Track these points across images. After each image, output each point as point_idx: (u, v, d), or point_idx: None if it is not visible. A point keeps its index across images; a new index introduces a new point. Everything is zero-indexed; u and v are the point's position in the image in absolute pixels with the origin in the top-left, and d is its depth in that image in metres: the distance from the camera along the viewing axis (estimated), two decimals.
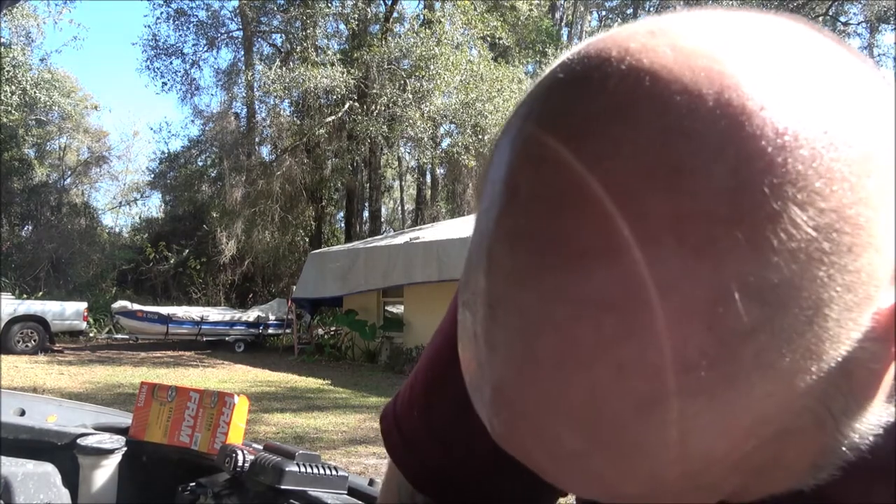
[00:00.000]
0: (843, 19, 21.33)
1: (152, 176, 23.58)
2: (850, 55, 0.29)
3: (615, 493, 0.27)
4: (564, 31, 23.56)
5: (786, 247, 0.23)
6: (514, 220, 0.26)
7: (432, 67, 14.94)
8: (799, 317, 0.24)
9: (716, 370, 0.24)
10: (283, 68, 16.08)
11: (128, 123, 45.96)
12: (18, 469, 1.27)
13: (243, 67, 18.67)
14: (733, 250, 0.23)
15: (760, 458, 0.27)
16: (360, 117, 15.59)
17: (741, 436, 0.25)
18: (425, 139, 15.52)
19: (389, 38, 16.64)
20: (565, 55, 0.29)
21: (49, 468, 1.32)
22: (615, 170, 0.24)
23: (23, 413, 1.48)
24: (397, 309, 12.84)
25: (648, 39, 0.26)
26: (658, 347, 0.24)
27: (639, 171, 0.24)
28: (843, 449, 0.29)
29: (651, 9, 24.97)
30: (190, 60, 19.22)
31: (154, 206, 25.38)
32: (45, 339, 12.41)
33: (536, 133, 0.26)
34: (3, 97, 17.36)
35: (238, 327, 14.32)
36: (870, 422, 0.28)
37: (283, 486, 1.14)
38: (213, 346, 14.04)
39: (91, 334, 15.13)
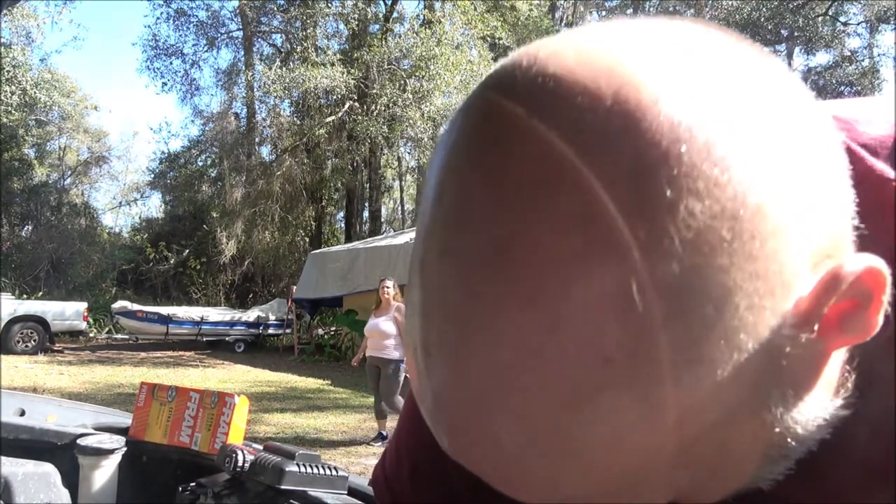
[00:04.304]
0: (843, 19, 21.32)
1: (152, 176, 23.57)
2: (748, 48, 0.29)
3: (557, 496, 0.27)
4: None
5: (685, 237, 0.24)
6: (437, 224, 0.27)
7: (432, 67, 14.95)
8: (707, 307, 0.24)
9: (634, 362, 0.24)
10: (283, 68, 16.08)
11: (128, 123, 46.01)
12: (18, 469, 1.27)
13: (243, 67, 18.68)
14: (635, 244, 0.24)
15: (702, 451, 0.27)
16: (360, 117, 15.59)
17: (672, 428, 0.26)
18: (425, 139, 15.51)
19: (389, 38, 16.64)
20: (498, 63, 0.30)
21: (49, 468, 1.32)
22: (528, 171, 0.25)
23: (23, 413, 1.48)
24: None
25: (556, 45, 0.28)
26: (576, 340, 0.24)
27: (545, 171, 0.25)
28: (790, 441, 0.29)
29: (651, 9, 24.97)
30: (190, 60, 19.24)
31: (154, 206, 25.40)
32: (45, 339, 12.40)
33: (459, 138, 0.28)
34: (3, 97, 17.36)
35: (238, 327, 14.32)
36: (813, 413, 0.29)
37: (283, 486, 1.15)
38: (213, 346, 14.04)
39: (91, 334, 15.13)
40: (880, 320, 0.27)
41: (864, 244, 0.31)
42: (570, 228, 0.24)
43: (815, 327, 0.27)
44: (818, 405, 0.29)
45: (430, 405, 0.29)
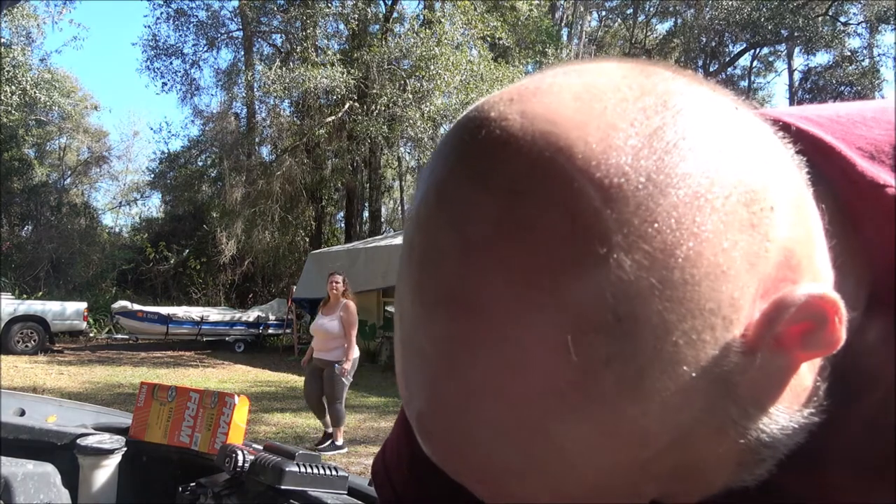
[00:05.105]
0: (843, 19, 21.31)
1: (152, 176, 23.55)
2: (702, 91, 0.31)
3: None
4: (564, 31, 23.54)
5: (618, 288, 0.26)
6: (409, 274, 0.31)
7: (432, 68, 14.94)
8: (645, 347, 0.26)
9: (584, 395, 0.27)
10: (283, 68, 16.06)
11: (128, 123, 45.81)
12: (18, 469, 1.27)
13: (243, 67, 18.65)
14: (575, 293, 0.26)
15: (667, 466, 0.29)
16: (360, 117, 15.59)
17: (627, 449, 0.28)
18: (425, 139, 15.51)
19: (389, 39, 16.64)
20: (461, 115, 0.33)
21: (49, 468, 1.32)
22: (475, 230, 0.28)
23: (23, 413, 1.48)
24: None
25: (506, 107, 0.30)
26: (530, 378, 0.27)
27: (493, 229, 0.27)
28: (762, 448, 0.31)
29: (651, 9, 24.96)
30: (190, 60, 19.23)
31: (154, 206, 25.39)
32: (45, 339, 12.40)
33: (422, 200, 0.31)
34: (3, 97, 17.33)
35: (238, 327, 14.31)
36: (781, 423, 0.30)
37: (283, 486, 1.15)
38: (213, 346, 14.04)
39: (91, 334, 15.13)
40: (842, 335, 0.29)
41: (853, 251, 0.32)
42: (518, 283, 0.27)
43: (773, 346, 0.28)
44: (786, 415, 0.31)
45: (415, 427, 0.32)
